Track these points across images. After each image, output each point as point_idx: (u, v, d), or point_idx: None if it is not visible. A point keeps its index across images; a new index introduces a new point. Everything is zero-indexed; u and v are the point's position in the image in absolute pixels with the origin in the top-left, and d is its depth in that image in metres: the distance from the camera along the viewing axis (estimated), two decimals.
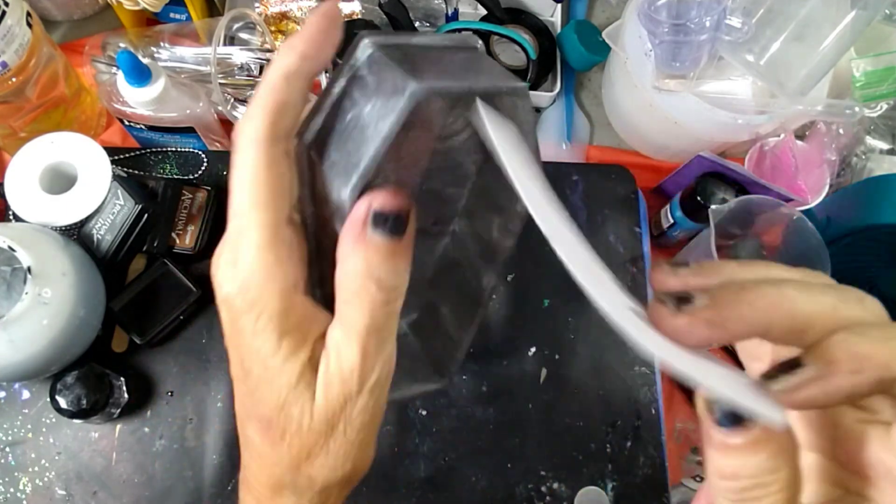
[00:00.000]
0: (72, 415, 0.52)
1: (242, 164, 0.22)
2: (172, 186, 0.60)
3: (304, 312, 0.23)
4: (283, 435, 0.23)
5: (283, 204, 0.22)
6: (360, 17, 0.70)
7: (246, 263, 0.21)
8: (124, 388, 0.55)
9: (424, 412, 0.59)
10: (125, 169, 0.63)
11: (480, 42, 0.27)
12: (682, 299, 0.19)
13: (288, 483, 0.24)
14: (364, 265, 0.21)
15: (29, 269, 0.47)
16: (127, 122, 0.61)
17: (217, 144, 0.67)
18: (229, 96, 0.68)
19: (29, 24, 0.55)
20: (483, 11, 0.75)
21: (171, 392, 0.58)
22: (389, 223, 0.21)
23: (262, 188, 0.22)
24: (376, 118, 0.22)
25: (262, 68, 0.69)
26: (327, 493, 0.25)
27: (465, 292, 0.35)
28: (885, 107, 0.72)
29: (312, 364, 0.23)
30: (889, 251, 0.61)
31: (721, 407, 0.19)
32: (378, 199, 0.21)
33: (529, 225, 0.25)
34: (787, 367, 0.19)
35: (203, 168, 0.64)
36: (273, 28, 0.71)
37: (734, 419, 0.19)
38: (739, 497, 0.19)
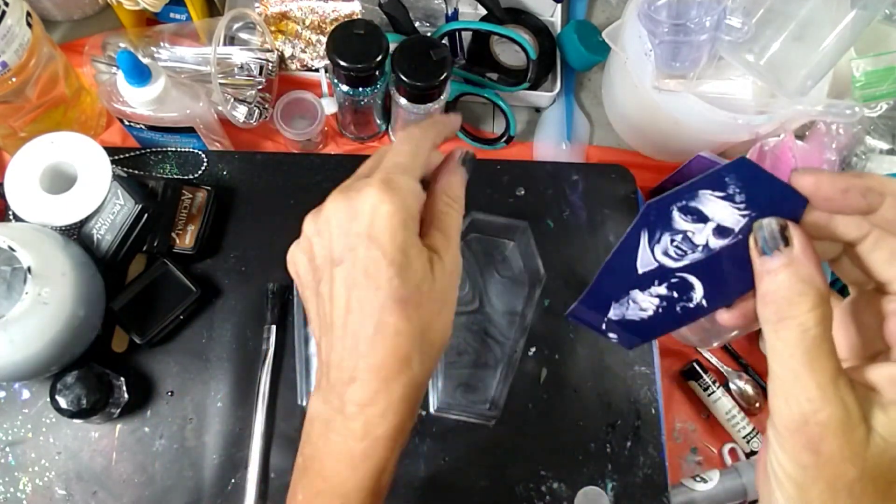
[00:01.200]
0: (72, 415, 0.52)
1: (422, 137, 0.37)
2: (172, 186, 0.60)
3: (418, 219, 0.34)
4: (417, 307, 0.32)
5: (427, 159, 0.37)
6: (360, 16, 0.70)
7: (405, 189, 0.33)
8: (124, 388, 0.55)
9: (424, 412, 0.59)
10: (125, 169, 0.63)
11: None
12: None
13: (416, 350, 0.32)
14: (457, 185, 0.38)
15: (29, 269, 0.47)
16: (127, 122, 0.61)
17: (217, 144, 0.67)
18: (229, 96, 0.68)
19: (29, 24, 0.55)
20: (483, 11, 0.75)
21: (171, 392, 0.58)
22: (468, 163, 0.39)
23: (425, 152, 0.37)
24: None
25: (262, 68, 0.69)
26: (439, 354, 0.34)
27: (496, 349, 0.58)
28: (885, 107, 0.72)
29: (430, 255, 0.33)
30: None
31: (763, 234, 0.26)
32: (462, 151, 0.39)
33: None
34: None
35: (203, 168, 0.64)
36: (273, 28, 0.71)
37: (773, 243, 0.25)
38: (778, 317, 0.24)
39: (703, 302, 0.29)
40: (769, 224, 0.25)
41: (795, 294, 0.24)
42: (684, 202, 0.29)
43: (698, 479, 0.63)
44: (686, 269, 0.29)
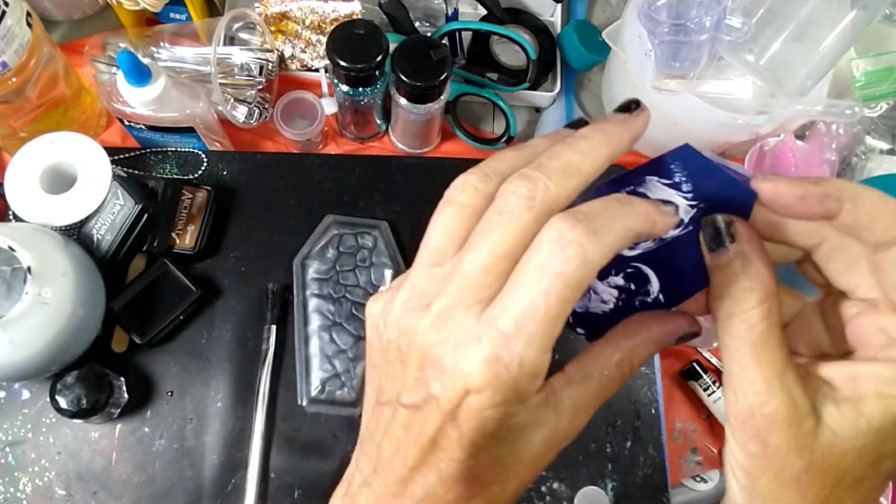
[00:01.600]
0: (72, 415, 0.52)
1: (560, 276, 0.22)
2: (172, 186, 0.60)
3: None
4: (486, 484, 0.24)
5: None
6: (360, 16, 0.70)
7: (516, 374, 0.22)
8: (124, 388, 0.55)
9: None
10: (125, 169, 0.63)
11: None
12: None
13: None
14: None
15: (29, 269, 0.47)
16: (127, 122, 0.61)
17: (217, 144, 0.67)
18: (229, 96, 0.68)
19: (29, 24, 0.55)
20: (483, 11, 0.75)
21: (171, 392, 0.58)
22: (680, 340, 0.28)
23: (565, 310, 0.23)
24: None
25: (262, 68, 0.69)
26: None
27: None
28: (885, 107, 0.72)
29: (536, 416, 0.24)
30: None
31: (709, 231, 0.25)
32: (684, 322, 0.27)
33: None
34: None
35: (203, 168, 0.65)
36: (273, 28, 0.71)
37: (719, 239, 0.25)
38: (725, 312, 0.24)
39: (661, 297, 0.28)
40: (715, 220, 0.25)
41: (741, 290, 0.24)
42: (632, 187, 0.28)
43: (698, 479, 0.63)
44: (640, 258, 0.28)
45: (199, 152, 0.65)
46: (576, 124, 0.25)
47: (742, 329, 0.24)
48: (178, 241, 0.60)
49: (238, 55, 0.68)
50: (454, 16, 0.72)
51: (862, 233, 0.24)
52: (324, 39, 0.72)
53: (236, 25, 0.71)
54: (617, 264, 0.28)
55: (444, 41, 0.70)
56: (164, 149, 0.64)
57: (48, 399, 0.52)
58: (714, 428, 0.68)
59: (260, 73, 0.69)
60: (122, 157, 0.63)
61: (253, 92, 0.69)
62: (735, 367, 0.24)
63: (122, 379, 0.55)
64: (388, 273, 0.61)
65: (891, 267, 0.24)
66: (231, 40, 0.72)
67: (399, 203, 0.65)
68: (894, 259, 0.24)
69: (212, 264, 0.62)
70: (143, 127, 0.61)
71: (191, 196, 0.61)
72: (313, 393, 0.58)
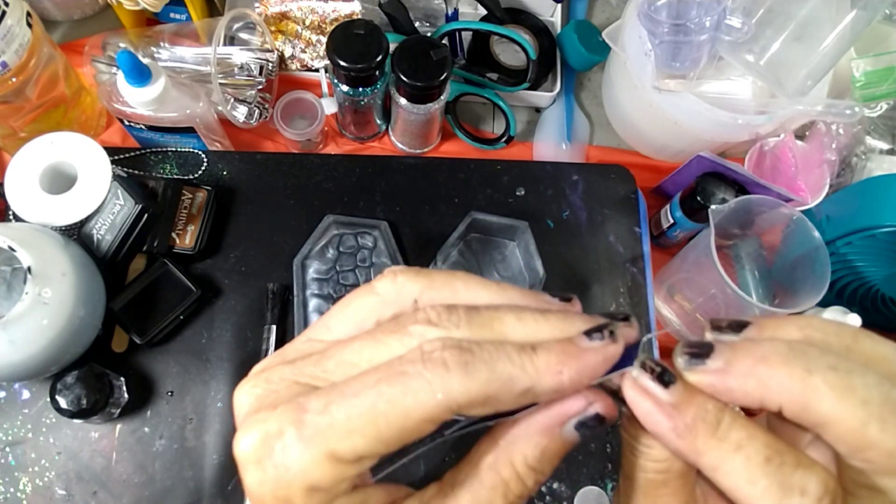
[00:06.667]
0: (72, 415, 0.51)
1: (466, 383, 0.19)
2: (172, 186, 0.60)
3: None
4: None
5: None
6: (360, 16, 0.70)
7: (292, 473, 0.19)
8: (124, 388, 0.55)
9: None
10: (125, 169, 0.63)
11: None
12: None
13: None
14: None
15: (29, 269, 0.47)
16: (127, 122, 0.61)
17: (217, 144, 0.67)
18: (229, 96, 0.68)
19: (29, 24, 0.55)
20: (483, 11, 0.75)
21: (171, 392, 0.58)
22: (587, 427, 0.21)
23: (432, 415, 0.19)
24: None
25: (262, 68, 0.69)
26: None
27: None
28: (885, 107, 0.72)
29: None
30: (888, 251, 0.61)
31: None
32: (585, 404, 0.21)
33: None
34: (696, 351, 0.20)
35: (203, 168, 0.65)
36: (273, 28, 0.71)
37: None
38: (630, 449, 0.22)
39: None
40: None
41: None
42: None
43: None
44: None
45: (199, 152, 0.65)
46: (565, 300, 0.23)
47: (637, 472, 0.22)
48: (178, 241, 0.60)
49: (238, 55, 0.68)
50: (454, 16, 0.72)
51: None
52: (324, 39, 0.72)
53: (236, 25, 0.71)
54: None
55: (444, 41, 0.70)
56: (164, 149, 0.64)
57: (48, 399, 0.52)
58: None
59: (260, 73, 0.69)
60: (122, 157, 0.63)
61: (253, 92, 0.69)
62: None
63: (122, 379, 0.55)
64: None
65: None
66: (231, 40, 0.72)
67: (399, 203, 0.65)
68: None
69: (212, 264, 0.62)
70: (143, 127, 0.61)
71: (191, 196, 0.61)
72: None
